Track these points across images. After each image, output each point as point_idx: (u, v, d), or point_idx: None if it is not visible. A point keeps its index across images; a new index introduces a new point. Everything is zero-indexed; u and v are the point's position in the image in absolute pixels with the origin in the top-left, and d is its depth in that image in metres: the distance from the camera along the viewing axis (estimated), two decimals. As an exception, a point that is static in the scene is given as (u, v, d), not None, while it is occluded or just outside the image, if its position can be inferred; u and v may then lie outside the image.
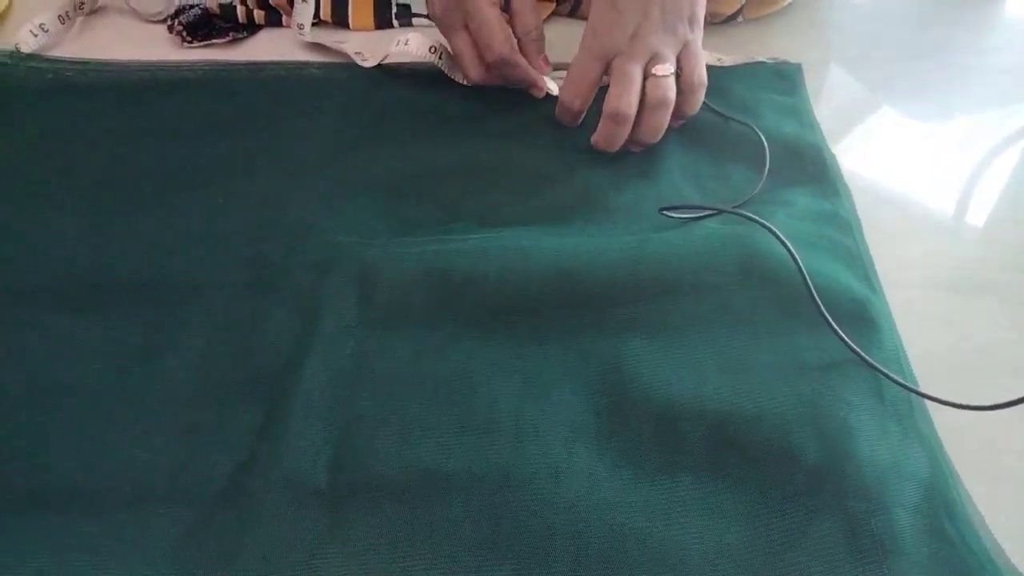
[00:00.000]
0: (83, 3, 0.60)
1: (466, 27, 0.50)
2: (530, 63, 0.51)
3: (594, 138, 0.47)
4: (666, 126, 0.46)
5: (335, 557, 0.31)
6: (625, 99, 0.45)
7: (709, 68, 0.55)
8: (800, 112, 0.52)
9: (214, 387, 0.37)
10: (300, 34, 0.58)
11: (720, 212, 0.42)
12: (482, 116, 0.51)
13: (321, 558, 0.31)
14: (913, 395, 0.36)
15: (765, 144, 0.48)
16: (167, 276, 0.42)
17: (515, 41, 0.50)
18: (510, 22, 0.51)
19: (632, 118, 0.46)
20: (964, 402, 0.35)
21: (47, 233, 0.44)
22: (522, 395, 0.36)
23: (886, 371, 0.36)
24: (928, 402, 0.36)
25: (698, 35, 0.47)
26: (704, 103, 0.49)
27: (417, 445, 0.34)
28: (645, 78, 0.46)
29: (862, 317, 0.38)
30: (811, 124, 0.51)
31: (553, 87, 0.52)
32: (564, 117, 0.49)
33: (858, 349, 0.36)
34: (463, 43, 0.50)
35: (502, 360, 0.37)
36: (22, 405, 0.36)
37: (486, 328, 0.38)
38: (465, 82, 0.53)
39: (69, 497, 0.33)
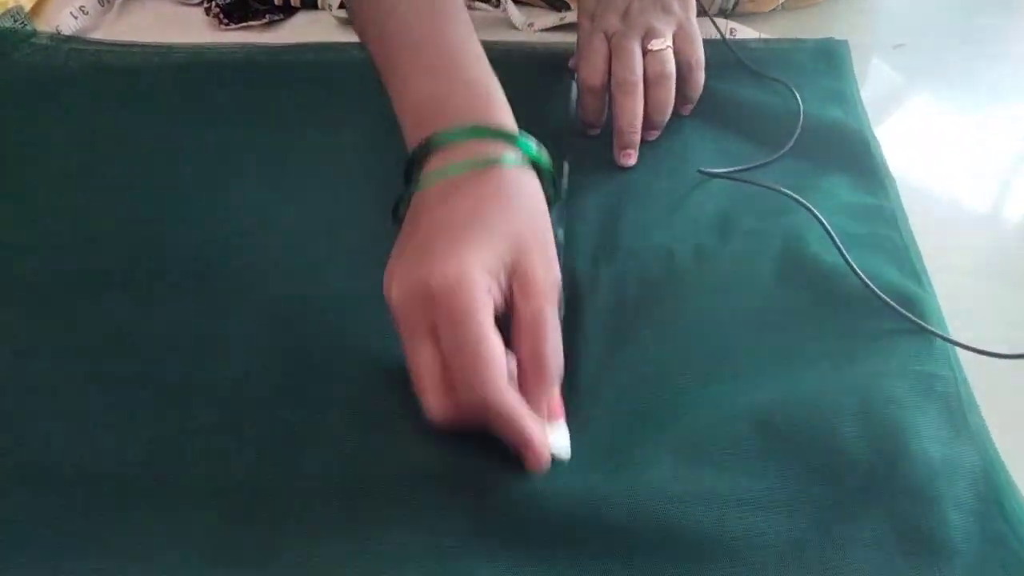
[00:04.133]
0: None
1: (434, 335, 0.31)
2: (531, 402, 0.31)
3: (617, 127, 0.46)
4: (672, 102, 0.47)
5: (345, 551, 0.31)
6: (628, 67, 0.46)
7: (752, 45, 0.54)
8: (846, 97, 0.51)
9: (249, 383, 0.37)
10: (332, 13, 0.58)
11: (773, 190, 0.42)
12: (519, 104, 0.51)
13: (329, 549, 0.31)
14: (962, 391, 0.35)
15: (800, 101, 0.49)
16: (212, 267, 0.41)
17: (512, 370, 0.32)
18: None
19: (640, 85, 0.46)
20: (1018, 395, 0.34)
21: (87, 216, 0.44)
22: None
23: (931, 327, 0.36)
24: (979, 398, 0.35)
25: (692, 15, 0.48)
26: (741, 61, 0.50)
27: (437, 441, 0.34)
28: (644, 55, 0.46)
29: (910, 312, 0.37)
30: (856, 111, 0.50)
31: (559, 448, 0.32)
32: (588, 99, 0.48)
33: (908, 314, 0.37)
34: (426, 358, 0.31)
35: None
36: (61, 396, 0.36)
37: None
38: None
39: (100, 491, 0.33)
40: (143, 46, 0.56)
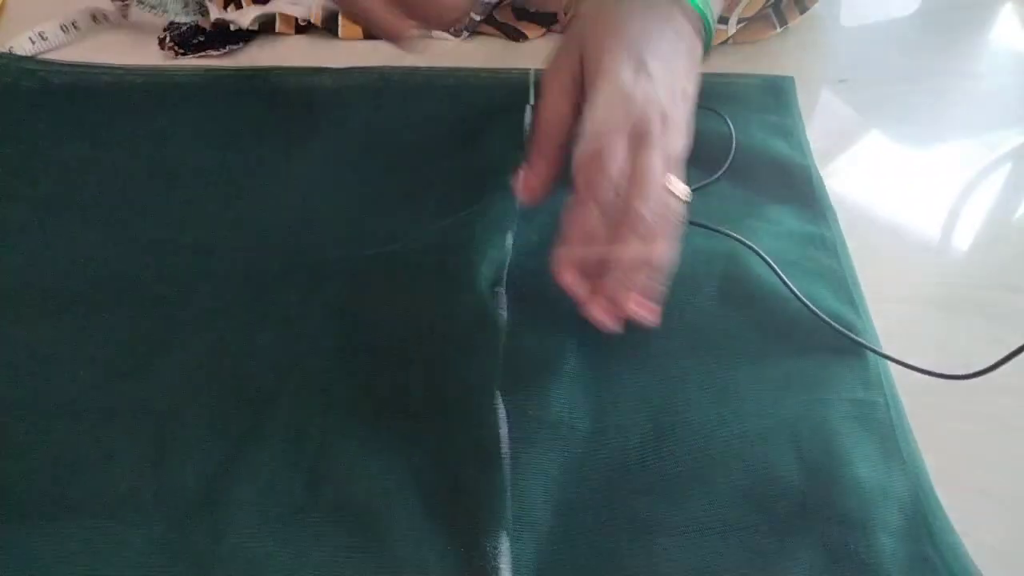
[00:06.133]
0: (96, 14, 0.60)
1: None
2: None
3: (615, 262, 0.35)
4: None
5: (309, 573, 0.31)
6: (647, 200, 0.34)
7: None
8: (790, 131, 0.52)
9: (197, 400, 0.37)
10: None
11: (708, 229, 0.42)
12: (475, 129, 0.51)
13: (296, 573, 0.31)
14: (895, 418, 0.36)
15: (731, 128, 0.49)
16: (158, 287, 0.41)
17: None
18: None
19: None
20: (950, 419, 0.35)
21: (33, 236, 0.44)
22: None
23: (867, 343, 0.37)
24: (912, 422, 0.36)
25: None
26: None
27: (392, 465, 0.34)
28: None
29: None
30: (800, 144, 0.51)
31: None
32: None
33: (856, 337, 0.38)
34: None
35: (484, 380, 0.36)
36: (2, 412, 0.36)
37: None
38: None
39: (45, 505, 0.33)
40: (98, 67, 0.55)
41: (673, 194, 0.35)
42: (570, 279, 0.34)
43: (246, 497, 0.33)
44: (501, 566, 0.31)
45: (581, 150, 0.35)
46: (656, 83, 0.35)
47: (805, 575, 0.31)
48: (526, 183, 0.37)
